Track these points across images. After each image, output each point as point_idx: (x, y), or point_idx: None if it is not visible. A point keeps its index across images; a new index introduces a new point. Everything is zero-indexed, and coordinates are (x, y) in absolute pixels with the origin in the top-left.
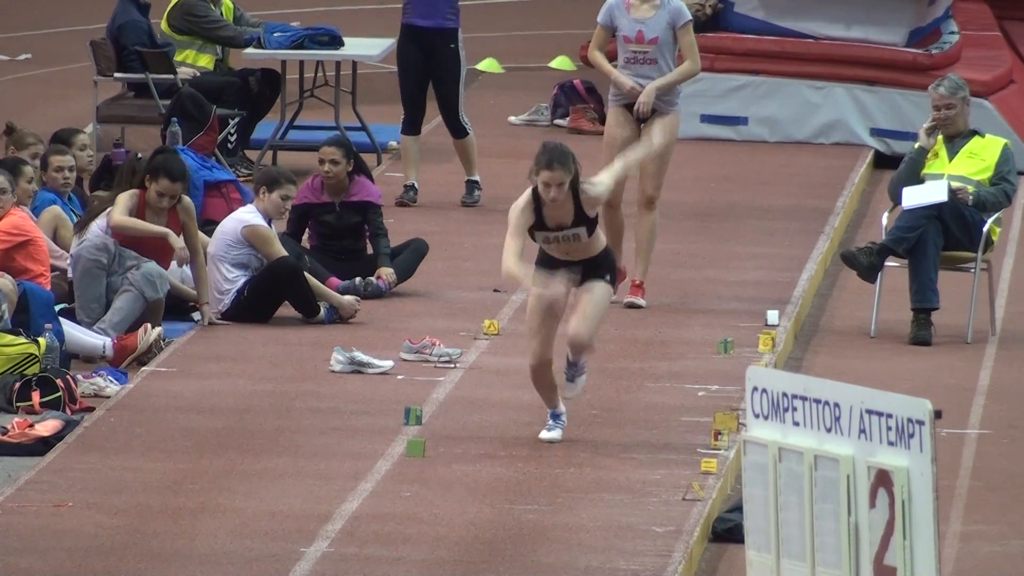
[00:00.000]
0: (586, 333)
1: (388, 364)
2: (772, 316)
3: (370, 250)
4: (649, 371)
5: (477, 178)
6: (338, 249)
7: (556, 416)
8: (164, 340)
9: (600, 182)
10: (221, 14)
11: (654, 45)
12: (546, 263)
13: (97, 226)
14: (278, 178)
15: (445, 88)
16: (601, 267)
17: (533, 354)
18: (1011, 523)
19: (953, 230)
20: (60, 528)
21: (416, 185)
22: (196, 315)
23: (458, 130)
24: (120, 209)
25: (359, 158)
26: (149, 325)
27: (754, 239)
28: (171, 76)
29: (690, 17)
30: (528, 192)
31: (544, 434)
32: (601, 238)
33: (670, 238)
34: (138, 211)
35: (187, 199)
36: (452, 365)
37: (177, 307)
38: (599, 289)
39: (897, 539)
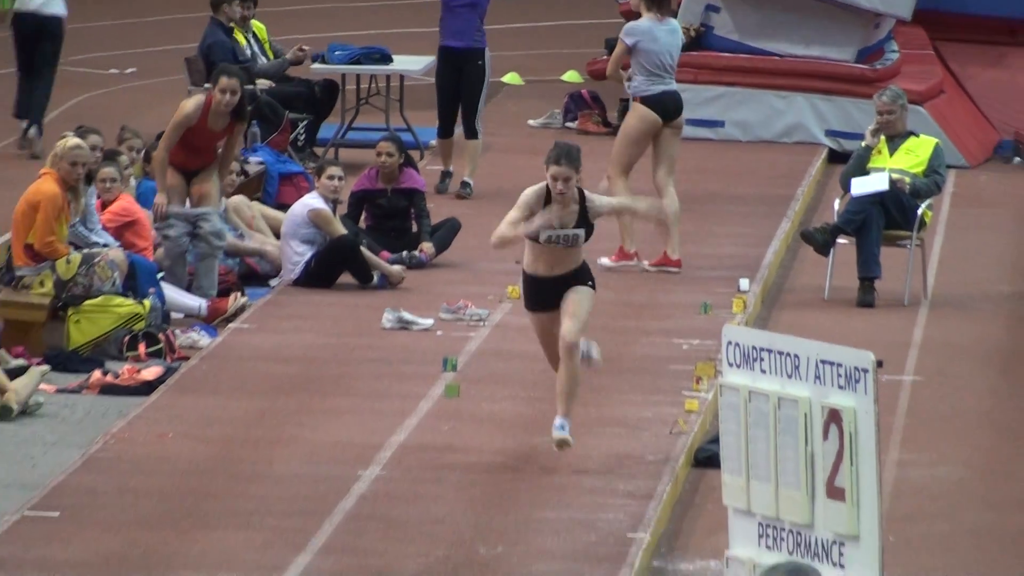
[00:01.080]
0: (572, 334)
1: (429, 322)
2: (743, 283)
3: (414, 228)
4: (643, 328)
5: (470, 181)
6: (388, 228)
7: (565, 417)
8: (247, 303)
9: (608, 200)
10: (250, 42)
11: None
12: (532, 292)
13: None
14: (323, 165)
15: (469, 97)
16: (582, 276)
17: (550, 359)
18: (939, 452)
19: (893, 213)
20: (162, 454)
21: (451, 172)
22: (272, 282)
23: (471, 132)
24: (178, 121)
25: (408, 153)
26: (239, 293)
27: (729, 220)
28: (251, 87)
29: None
30: (544, 184)
31: (556, 434)
32: (581, 254)
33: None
34: (203, 112)
35: (243, 124)
36: (482, 323)
37: (255, 277)
38: (584, 291)
39: (845, 465)
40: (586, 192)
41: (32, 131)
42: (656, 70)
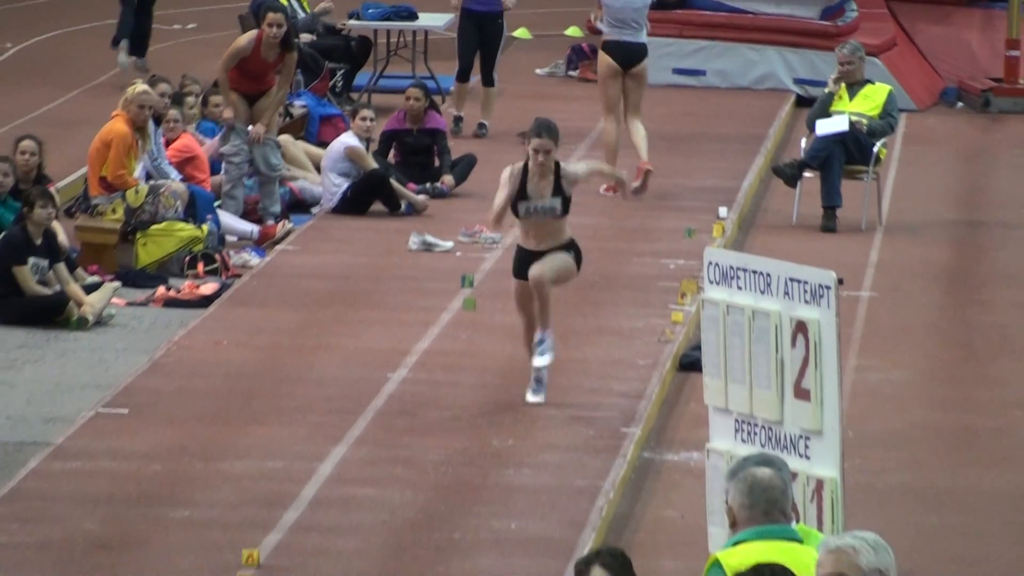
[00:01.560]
0: (540, 275)
1: (449, 244)
2: (722, 211)
3: (437, 163)
4: (634, 250)
5: (486, 122)
6: (414, 163)
7: (539, 382)
8: (292, 228)
9: (578, 167)
10: (291, 3)
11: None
12: (521, 260)
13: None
14: (358, 108)
15: (489, 52)
16: (566, 247)
17: (525, 322)
18: (892, 359)
19: (852, 151)
20: (217, 360)
21: (463, 117)
22: (314, 210)
23: (489, 81)
24: (231, 53)
25: (432, 98)
26: (287, 220)
27: (709, 156)
28: (296, 39)
29: None
30: (521, 163)
31: (530, 398)
32: (568, 230)
33: (650, 156)
34: (256, 44)
35: (295, 54)
36: (495, 246)
37: (300, 205)
38: (562, 254)
39: (811, 369)
40: (561, 164)
41: (140, 61)
42: (615, 23)
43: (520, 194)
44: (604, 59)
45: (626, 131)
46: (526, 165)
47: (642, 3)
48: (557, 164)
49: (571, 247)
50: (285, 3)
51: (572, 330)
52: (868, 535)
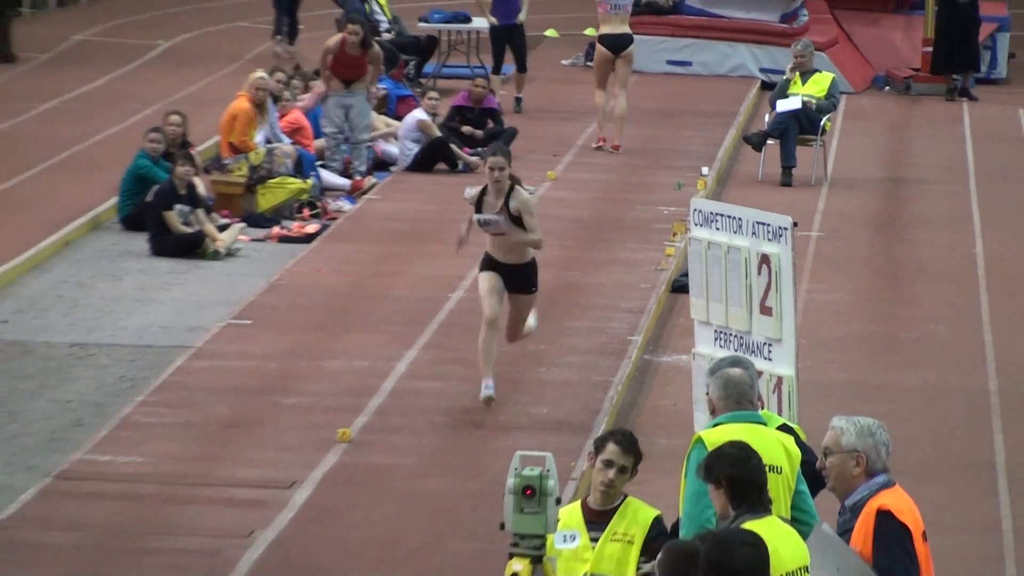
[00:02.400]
0: (516, 337)
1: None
2: (704, 170)
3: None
4: (636, 199)
5: (521, 97)
6: (472, 135)
7: (488, 386)
8: (376, 182)
9: (523, 198)
10: (373, 9)
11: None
12: (488, 262)
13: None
14: (426, 90)
15: (519, 52)
16: (527, 278)
17: (488, 308)
18: (835, 284)
19: (804, 124)
20: (319, 282)
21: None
22: (392, 168)
23: (522, 68)
24: (325, 50)
25: (486, 85)
26: (372, 176)
27: (694, 127)
28: (379, 38)
29: None
30: (480, 186)
31: (484, 393)
32: (531, 253)
33: (648, 127)
34: (341, 45)
35: (376, 49)
36: (532, 194)
37: (381, 164)
38: (525, 302)
39: (772, 292)
40: (516, 187)
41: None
42: (606, 20)
43: (477, 208)
44: (599, 49)
45: (613, 105)
46: (485, 187)
47: (625, 3)
48: (512, 188)
49: (533, 276)
50: (369, 10)
51: (590, 261)
52: (866, 420)
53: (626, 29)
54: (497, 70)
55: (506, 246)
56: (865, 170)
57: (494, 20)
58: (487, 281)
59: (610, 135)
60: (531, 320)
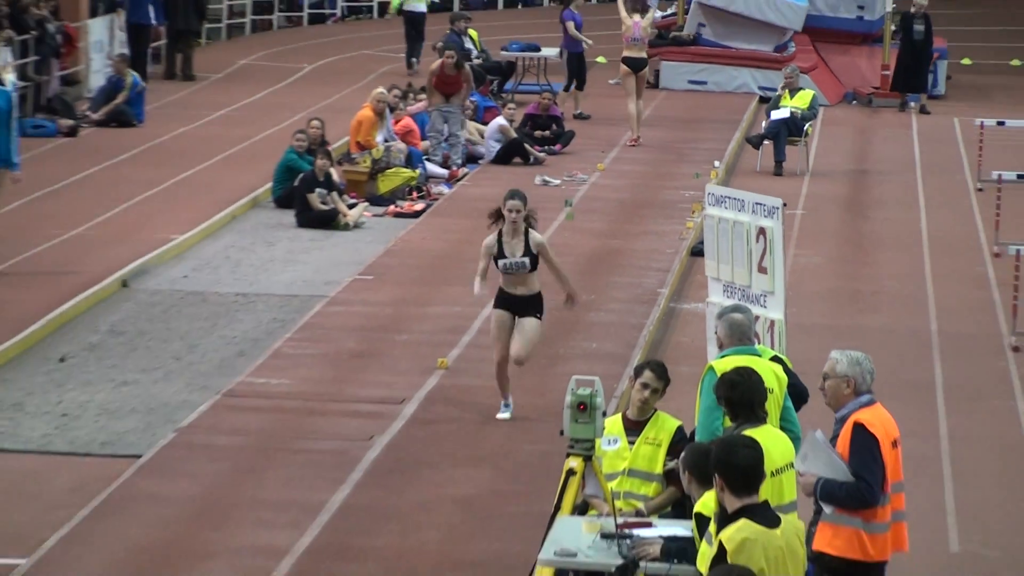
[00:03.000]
0: (523, 354)
1: (558, 181)
2: (716, 163)
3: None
4: (665, 185)
5: (581, 112)
6: (542, 137)
7: (506, 405)
8: (468, 172)
9: (539, 239)
10: (466, 41)
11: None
12: (501, 298)
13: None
14: (506, 102)
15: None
16: (535, 306)
17: (497, 353)
18: (814, 248)
19: (792, 129)
20: (424, 248)
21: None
22: (480, 161)
23: (581, 87)
24: (430, 71)
25: (555, 97)
26: (465, 167)
27: (709, 131)
28: (470, 62)
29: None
30: (494, 235)
31: (499, 415)
32: (537, 283)
33: (673, 131)
34: (440, 66)
35: (467, 70)
36: (585, 182)
37: (472, 158)
38: (534, 324)
39: (767, 255)
40: (531, 230)
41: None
42: (629, 47)
43: (499, 254)
44: (623, 67)
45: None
46: (500, 233)
47: (640, 36)
48: (527, 231)
49: (539, 304)
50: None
51: (629, 231)
52: (857, 353)
53: (643, 54)
54: (568, 88)
55: (518, 281)
56: (837, 164)
57: (589, 42)
58: (497, 324)
59: (638, 134)
60: (528, 345)
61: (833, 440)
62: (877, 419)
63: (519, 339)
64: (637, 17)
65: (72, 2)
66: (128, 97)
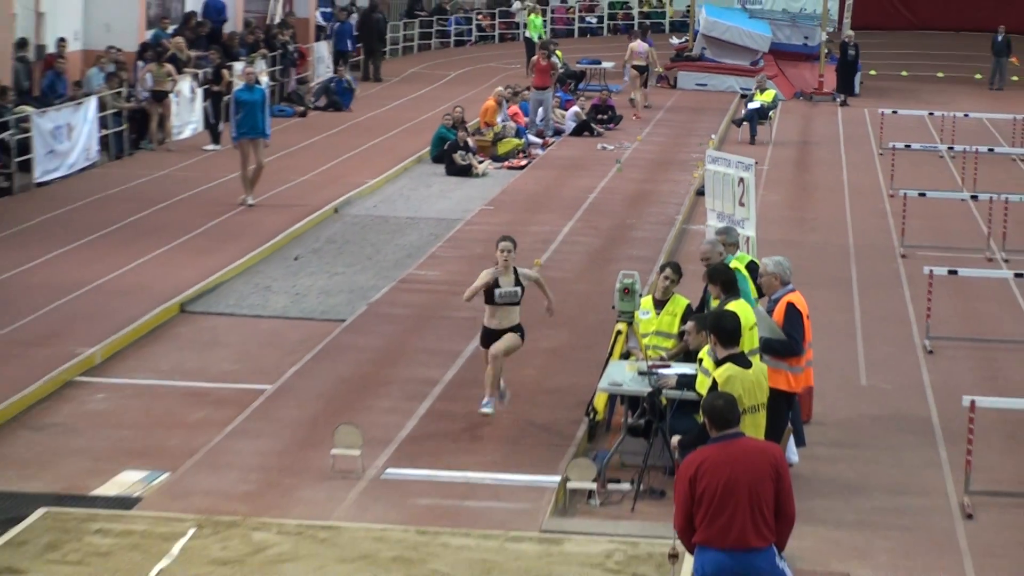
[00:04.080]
0: (497, 349)
1: (612, 147)
2: (713, 135)
3: (607, 118)
4: (679, 150)
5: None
6: (600, 118)
7: (488, 402)
8: (555, 140)
9: (529, 272)
10: (557, 57)
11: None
12: (485, 335)
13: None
14: (578, 97)
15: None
16: (516, 329)
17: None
18: (775, 192)
19: (761, 114)
20: (527, 188)
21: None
22: (562, 134)
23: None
24: (531, 62)
25: (611, 94)
26: (553, 138)
27: (708, 115)
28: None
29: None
30: (491, 268)
31: (481, 409)
32: (519, 317)
33: (685, 116)
34: (538, 60)
35: (555, 61)
36: (629, 147)
37: (558, 132)
38: (513, 335)
39: (745, 195)
40: (517, 268)
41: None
42: (635, 58)
43: (495, 284)
44: (632, 71)
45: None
46: (494, 271)
47: (643, 52)
48: (515, 269)
49: (519, 329)
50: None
51: (656, 179)
52: (779, 258)
53: (644, 63)
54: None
55: (502, 315)
56: (790, 137)
57: (660, 68)
58: (487, 356)
59: (642, 113)
60: (507, 395)
61: (770, 312)
62: (799, 300)
63: (499, 341)
64: (639, 42)
65: (304, 32)
66: (339, 90)
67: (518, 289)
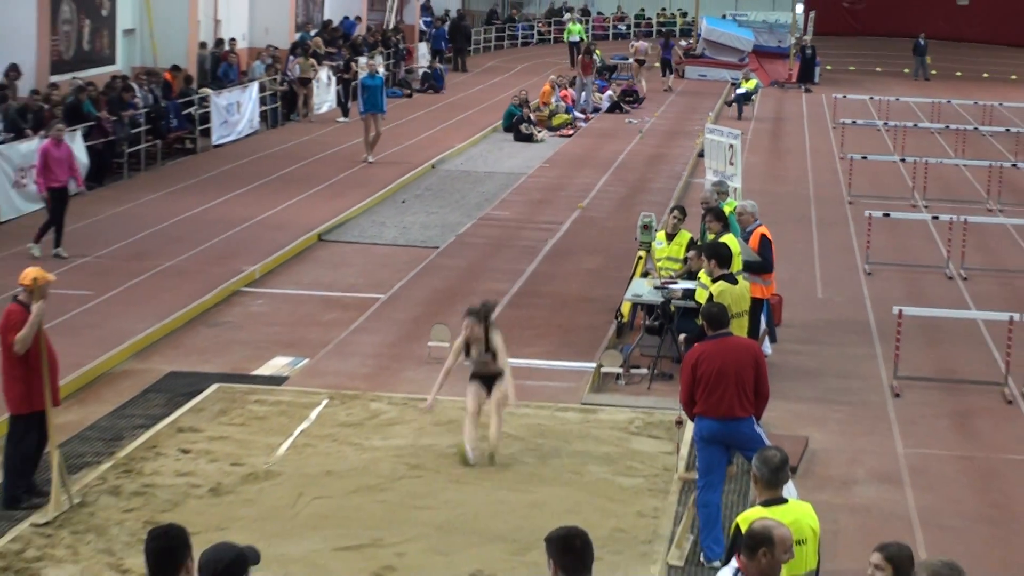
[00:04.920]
0: (496, 437)
1: (636, 121)
2: (710, 114)
3: (634, 99)
4: (685, 123)
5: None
6: (628, 100)
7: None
8: (594, 116)
9: (497, 343)
10: (596, 55)
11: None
12: (473, 375)
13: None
14: (611, 83)
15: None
16: (499, 378)
17: (470, 407)
18: (757, 155)
19: (746, 98)
20: (573, 152)
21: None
22: (599, 110)
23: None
24: (578, 60)
25: (636, 82)
26: (593, 115)
27: (707, 98)
28: (599, 65)
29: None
30: (462, 336)
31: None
32: (501, 366)
33: (689, 99)
34: (581, 55)
35: (594, 58)
36: (649, 121)
37: (597, 110)
38: (498, 388)
39: (735, 157)
40: (490, 333)
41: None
42: (636, 52)
43: (467, 352)
44: (634, 63)
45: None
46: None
47: (644, 47)
48: (487, 332)
49: (501, 377)
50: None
51: (668, 144)
52: (749, 201)
53: (643, 57)
54: (664, 74)
55: (482, 367)
56: (767, 115)
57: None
58: (473, 392)
59: (648, 92)
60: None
61: (746, 239)
62: (767, 232)
63: (493, 424)
64: (641, 42)
65: (410, 34)
66: (435, 76)
67: (488, 356)
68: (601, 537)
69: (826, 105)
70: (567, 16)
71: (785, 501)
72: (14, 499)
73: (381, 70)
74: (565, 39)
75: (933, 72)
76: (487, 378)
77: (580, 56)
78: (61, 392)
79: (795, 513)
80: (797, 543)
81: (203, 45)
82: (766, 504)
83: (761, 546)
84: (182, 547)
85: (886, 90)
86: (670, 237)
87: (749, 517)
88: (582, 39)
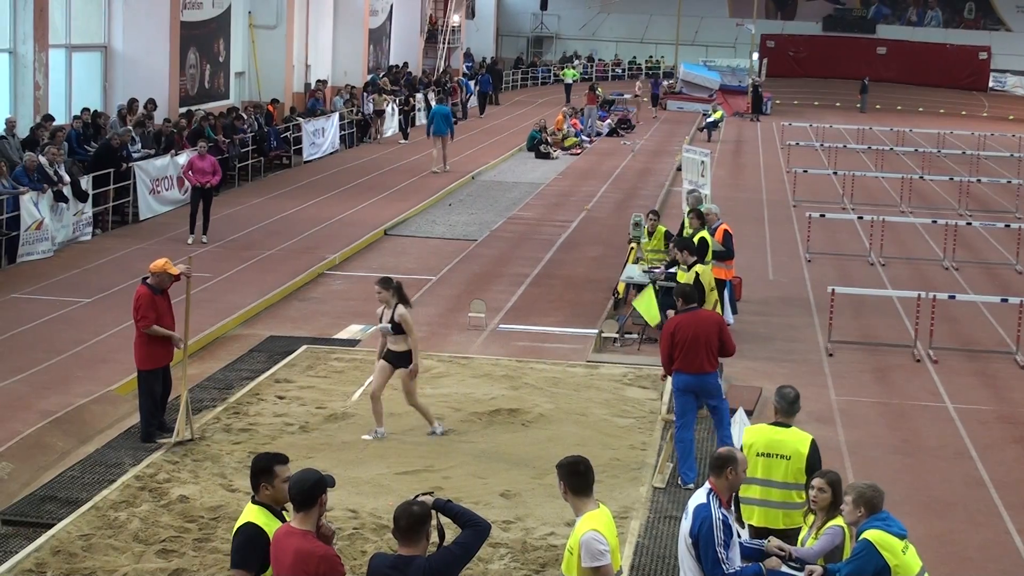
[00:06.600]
0: (410, 399)
1: (630, 143)
2: (687, 137)
3: (633, 123)
4: (667, 144)
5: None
6: (624, 127)
7: (376, 432)
8: (596, 139)
9: (405, 316)
10: (599, 91)
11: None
12: (382, 351)
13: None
14: (611, 114)
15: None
16: (404, 360)
17: (374, 387)
18: (722, 167)
19: (714, 125)
20: (581, 167)
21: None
22: (599, 135)
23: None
24: (586, 94)
25: (632, 114)
26: (595, 138)
27: (684, 125)
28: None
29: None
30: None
31: (364, 436)
32: (406, 345)
33: (671, 125)
34: (590, 93)
35: (597, 91)
36: (639, 143)
37: (599, 134)
38: (401, 371)
39: (705, 170)
40: (398, 308)
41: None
42: (637, 90)
43: (380, 320)
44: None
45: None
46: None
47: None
48: (396, 306)
49: (407, 358)
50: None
51: (653, 160)
52: (714, 205)
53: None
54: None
55: (391, 341)
56: (730, 138)
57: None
58: (379, 368)
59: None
60: (438, 430)
61: (712, 233)
62: (730, 227)
63: (404, 385)
64: (639, 81)
65: (455, 75)
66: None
67: (389, 325)
68: (601, 464)
69: (776, 131)
70: (563, 64)
71: (788, 426)
72: (149, 435)
73: (433, 104)
74: (565, 82)
75: (877, 106)
76: (391, 356)
77: (587, 92)
78: (188, 350)
79: (787, 435)
80: (781, 457)
81: (307, 87)
82: (774, 424)
83: (727, 465)
84: (267, 463)
85: (822, 119)
86: (650, 234)
87: (752, 431)
88: (575, 80)
